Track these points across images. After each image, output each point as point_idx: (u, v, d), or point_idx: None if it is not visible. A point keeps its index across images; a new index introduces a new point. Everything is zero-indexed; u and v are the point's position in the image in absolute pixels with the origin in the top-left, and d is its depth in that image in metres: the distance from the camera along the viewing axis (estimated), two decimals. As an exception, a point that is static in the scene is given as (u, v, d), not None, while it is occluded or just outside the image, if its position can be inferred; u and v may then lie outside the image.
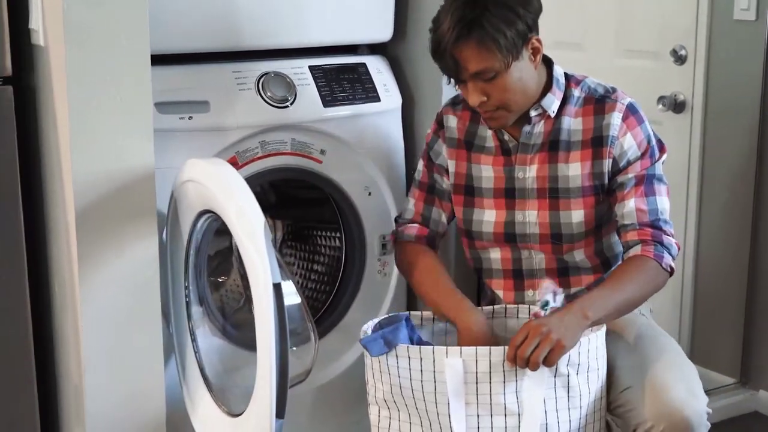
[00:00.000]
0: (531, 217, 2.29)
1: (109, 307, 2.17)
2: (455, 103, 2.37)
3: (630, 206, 2.21)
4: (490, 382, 2.02)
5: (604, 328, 2.13)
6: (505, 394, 2.02)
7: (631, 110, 2.24)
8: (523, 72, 2.16)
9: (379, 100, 2.61)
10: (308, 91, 2.52)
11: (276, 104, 2.47)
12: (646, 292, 2.18)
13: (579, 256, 2.30)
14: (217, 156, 2.39)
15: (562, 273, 2.32)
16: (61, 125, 2.13)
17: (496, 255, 2.36)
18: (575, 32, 3.73)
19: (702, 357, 3.44)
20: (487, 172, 2.32)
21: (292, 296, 2.07)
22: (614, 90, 2.27)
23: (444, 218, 2.41)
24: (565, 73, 2.30)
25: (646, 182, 2.22)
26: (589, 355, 2.08)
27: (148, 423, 2.26)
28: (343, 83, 2.57)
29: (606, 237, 2.31)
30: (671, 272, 2.21)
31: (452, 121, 2.37)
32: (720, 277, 3.38)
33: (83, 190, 2.11)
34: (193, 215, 2.21)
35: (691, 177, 3.38)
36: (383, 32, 2.65)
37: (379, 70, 2.65)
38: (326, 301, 2.71)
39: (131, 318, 2.20)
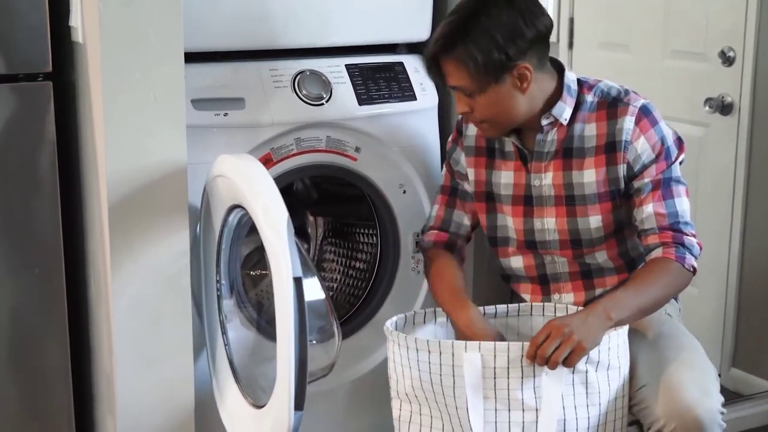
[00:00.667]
0: (549, 224, 2.30)
1: (140, 299, 2.23)
2: None
3: (648, 211, 2.21)
4: (508, 378, 2.03)
5: (626, 327, 2.13)
6: (522, 389, 2.04)
7: (644, 112, 2.22)
8: (505, 96, 2.18)
9: (415, 99, 2.63)
10: (344, 90, 2.55)
11: (311, 102, 2.50)
12: (669, 293, 2.19)
13: (601, 257, 2.30)
14: (252, 152, 2.43)
15: (586, 275, 2.33)
16: (96, 121, 2.19)
17: (518, 264, 2.37)
18: (622, 33, 3.72)
19: (745, 362, 3.41)
20: (506, 179, 2.33)
21: (316, 292, 2.11)
22: (627, 92, 2.26)
23: (467, 221, 2.43)
24: (578, 79, 2.29)
25: (663, 186, 2.21)
26: (609, 354, 2.09)
27: (178, 413, 2.31)
28: (380, 82, 2.60)
29: (630, 238, 2.31)
30: (694, 272, 2.20)
31: (471, 129, 2.39)
32: (765, 282, 3.34)
33: (116, 184, 2.16)
34: (224, 210, 2.26)
35: (737, 180, 3.34)
36: (421, 32, 2.67)
37: (416, 69, 2.67)
38: (361, 296, 2.73)
39: (162, 310, 2.25)
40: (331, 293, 2.86)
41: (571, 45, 3.95)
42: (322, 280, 2.18)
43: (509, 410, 2.04)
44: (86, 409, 2.47)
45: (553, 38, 3.95)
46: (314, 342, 2.08)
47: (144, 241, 2.21)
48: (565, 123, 2.25)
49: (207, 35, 2.41)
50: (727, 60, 3.30)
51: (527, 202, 2.32)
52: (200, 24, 2.38)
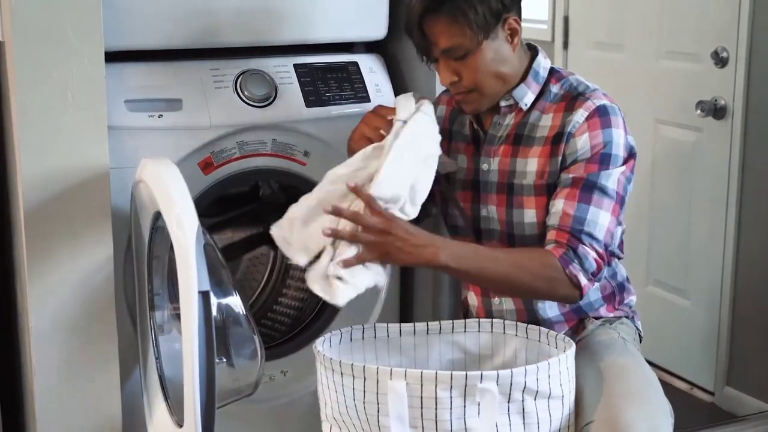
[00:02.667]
0: (492, 212, 2.16)
1: (60, 310, 2.12)
2: (448, 91, 2.25)
3: (557, 207, 2.03)
4: (436, 408, 1.88)
5: (572, 350, 1.97)
6: (452, 420, 1.88)
7: (600, 112, 2.05)
8: (498, 53, 2.05)
9: (369, 101, 2.50)
10: (290, 90, 2.42)
11: (254, 103, 2.38)
12: (529, 283, 1.98)
13: None
14: (191, 156, 2.32)
15: None
16: (14, 123, 2.09)
17: None
18: (616, 33, 3.56)
19: (738, 381, 3.23)
20: (461, 163, 2.20)
21: (237, 309, 2.00)
22: (595, 90, 2.10)
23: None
24: (551, 68, 2.14)
25: (583, 187, 2.02)
26: (551, 381, 1.91)
27: (103, 430, 2.19)
28: (330, 82, 2.47)
29: None
30: (579, 288, 1.99)
31: (440, 110, 2.26)
32: (759, 296, 3.16)
33: (32, 188, 2.06)
34: (150, 216, 2.14)
35: (730, 187, 3.17)
36: (376, 30, 2.54)
37: (371, 69, 2.54)
38: (315, 307, 2.61)
39: (85, 322, 2.14)
40: (297, 303, 2.75)
41: (566, 45, 3.80)
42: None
43: None
44: (19, 423, 2.37)
45: (547, 37, 3.87)
46: (222, 360, 1.97)
47: (64, 248, 2.10)
48: (524, 108, 2.11)
49: (145, 33, 2.31)
50: (721, 61, 3.14)
51: (475, 187, 2.18)
52: (138, 21, 2.29)
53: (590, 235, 2.01)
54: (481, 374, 1.87)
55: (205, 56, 2.40)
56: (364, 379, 1.91)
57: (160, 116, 2.30)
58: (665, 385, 3.38)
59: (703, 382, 3.31)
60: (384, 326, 2.16)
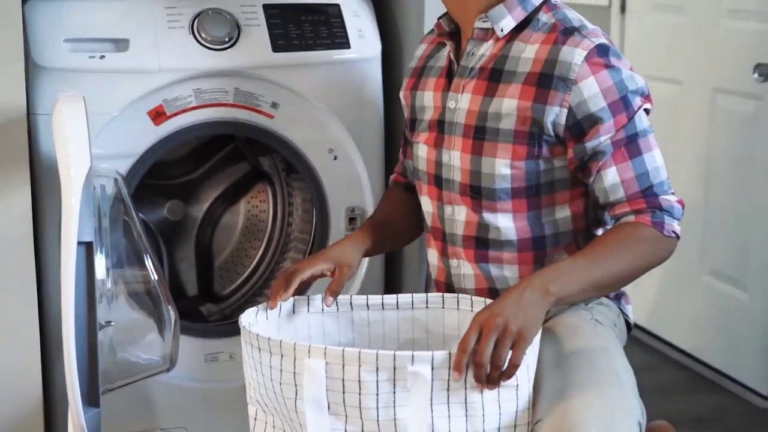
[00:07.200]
0: (455, 158, 1.84)
1: (-31, 265, 1.92)
2: (433, 31, 1.96)
3: (613, 178, 1.74)
4: (360, 393, 1.60)
5: (538, 335, 1.66)
6: (378, 408, 1.60)
7: (600, 51, 1.73)
8: None
9: (348, 47, 2.22)
10: (256, 33, 2.17)
11: (211, 46, 2.13)
12: (639, 265, 1.72)
13: (504, 221, 1.81)
14: (139, 103, 2.10)
15: (481, 244, 1.85)
16: None
17: (427, 207, 1.92)
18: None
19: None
20: (428, 100, 1.90)
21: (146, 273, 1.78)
22: (594, 29, 1.78)
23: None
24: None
25: (628, 143, 1.74)
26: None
27: (23, 401, 1.99)
28: (304, 25, 2.20)
29: (546, 207, 1.81)
30: (677, 238, 1.74)
31: (419, 50, 1.98)
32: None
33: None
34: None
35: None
36: (363, -32, 2.26)
37: (356, 13, 2.26)
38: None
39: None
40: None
41: (623, 8, 3.45)
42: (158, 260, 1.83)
43: None
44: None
45: (604, 2, 3.51)
46: (111, 323, 1.72)
47: (-28, 198, 1.90)
48: (500, 34, 1.80)
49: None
50: (786, 18, 2.75)
51: (440, 128, 1.87)
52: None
53: (661, 184, 1.76)
54: (413, 355, 1.58)
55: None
56: (281, 356, 1.63)
57: (101, 57, 2.07)
58: (714, 387, 3.05)
59: (758, 386, 2.93)
60: (346, 298, 1.88)
